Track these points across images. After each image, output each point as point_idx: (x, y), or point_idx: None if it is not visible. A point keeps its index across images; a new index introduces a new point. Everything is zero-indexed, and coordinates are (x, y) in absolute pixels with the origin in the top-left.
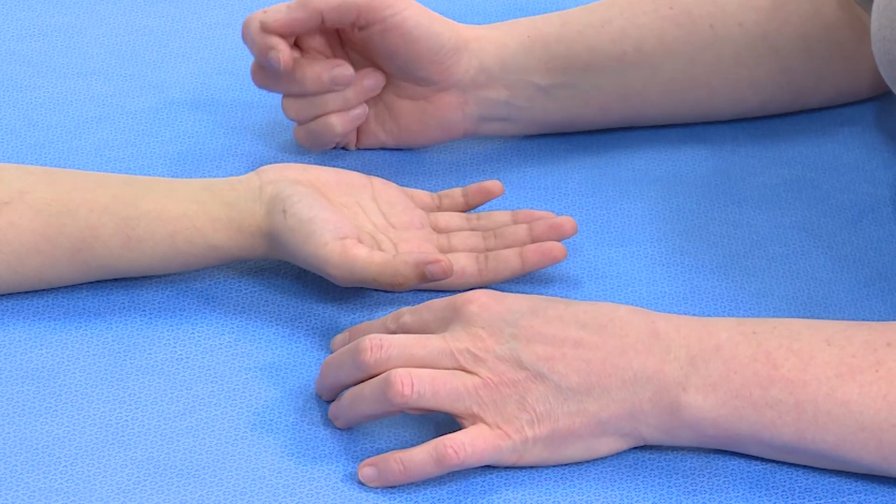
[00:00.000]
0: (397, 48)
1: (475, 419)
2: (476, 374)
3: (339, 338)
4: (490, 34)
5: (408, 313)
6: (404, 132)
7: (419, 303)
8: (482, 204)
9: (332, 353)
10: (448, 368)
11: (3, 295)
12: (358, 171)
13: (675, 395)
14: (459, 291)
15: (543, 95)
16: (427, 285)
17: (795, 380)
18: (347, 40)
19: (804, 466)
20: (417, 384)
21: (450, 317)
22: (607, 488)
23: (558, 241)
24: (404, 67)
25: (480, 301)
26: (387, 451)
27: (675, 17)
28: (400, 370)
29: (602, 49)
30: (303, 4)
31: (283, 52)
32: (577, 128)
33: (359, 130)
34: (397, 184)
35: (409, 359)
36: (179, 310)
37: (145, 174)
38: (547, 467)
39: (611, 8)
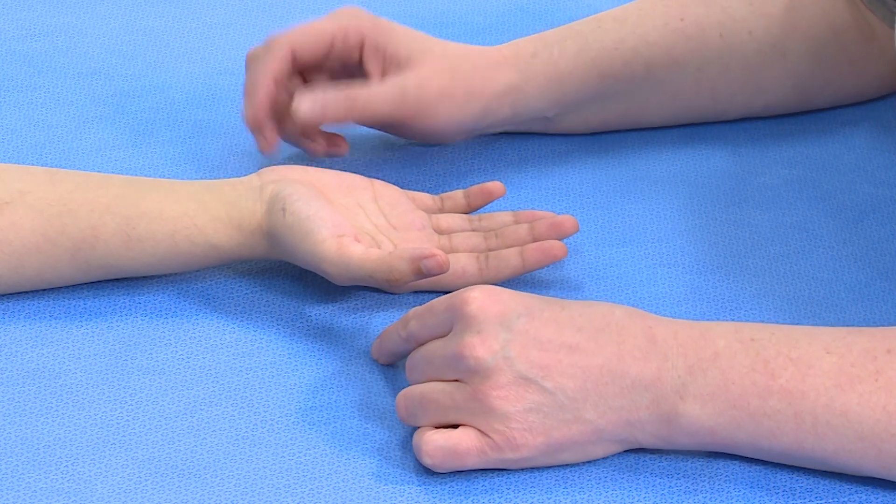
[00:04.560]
0: (420, 130)
1: (466, 425)
2: (469, 384)
3: (373, 345)
4: (509, 86)
5: (413, 319)
6: (399, 134)
7: (418, 303)
8: (484, 205)
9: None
10: (450, 379)
11: (3, 295)
12: (359, 172)
13: (672, 404)
14: None
15: (546, 122)
16: (426, 282)
17: (794, 390)
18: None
19: (805, 467)
20: (409, 405)
21: (451, 318)
22: (608, 489)
23: (559, 239)
24: (420, 135)
25: (477, 302)
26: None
27: (685, 28)
28: (399, 394)
29: (614, 74)
30: (348, 101)
31: (268, 142)
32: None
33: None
34: (398, 185)
35: (424, 375)
36: (180, 310)
37: (146, 174)
38: (547, 468)
39: (624, 24)
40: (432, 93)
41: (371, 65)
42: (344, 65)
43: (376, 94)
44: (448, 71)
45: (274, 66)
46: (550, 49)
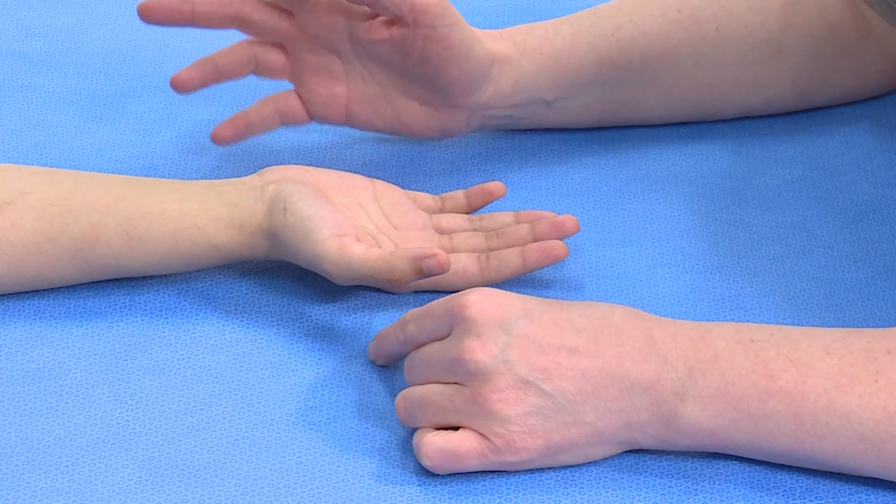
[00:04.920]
0: (432, 58)
1: (466, 427)
2: (469, 387)
3: (370, 346)
4: (507, 55)
5: (411, 322)
6: (401, 126)
7: (419, 302)
8: (484, 205)
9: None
10: (449, 382)
11: (3, 295)
12: (359, 171)
13: (672, 406)
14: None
15: (546, 107)
16: (427, 282)
17: (793, 391)
18: (362, 38)
19: (805, 468)
20: (409, 407)
21: (449, 321)
22: (608, 490)
23: (560, 239)
24: (428, 77)
25: (476, 305)
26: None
27: (682, 20)
28: (399, 395)
29: (610, 60)
30: None
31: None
32: (572, 128)
33: (350, 114)
34: (398, 185)
35: (423, 377)
36: (180, 310)
37: (146, 174)
38: (548, 469)
39: (620, 12)
40: (450, 12)
41: None
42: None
43: None
44: (466, 24)
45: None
46: (545, 28)
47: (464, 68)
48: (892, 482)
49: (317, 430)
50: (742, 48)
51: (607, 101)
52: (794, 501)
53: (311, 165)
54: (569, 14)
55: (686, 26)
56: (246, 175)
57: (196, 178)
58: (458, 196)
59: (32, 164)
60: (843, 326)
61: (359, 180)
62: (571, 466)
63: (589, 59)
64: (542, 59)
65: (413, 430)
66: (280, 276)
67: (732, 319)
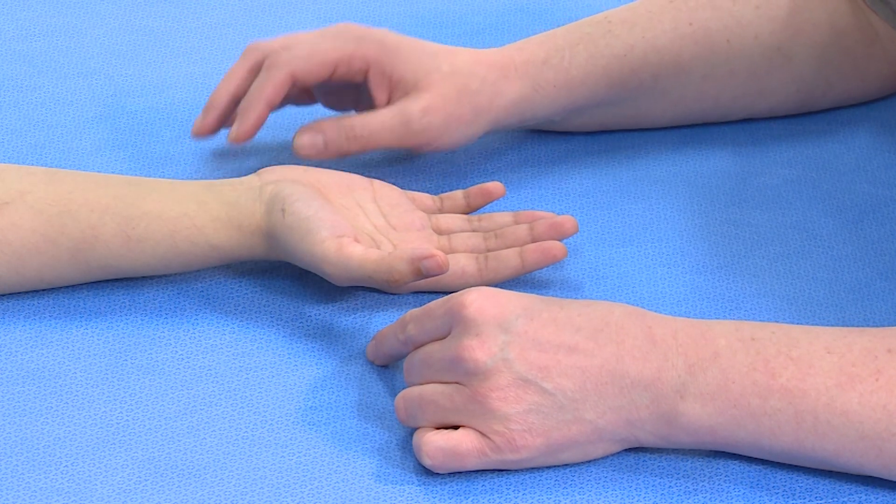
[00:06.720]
0: (423, 151)
1: (466, 426)
2: (468, 386)
3: (368, 347)
4: (520, 93)
5: (410, 323)
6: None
7: (418, 303)
8: (483, 206)
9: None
10: (449, 381)
11: (3, 295)
12: (358, 171)
13: (672, 403)
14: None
15: (549, 123)
16: (426, 283)
17: (794, 389)
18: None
19: (804, 467)
20: (409, 407)
21: (449, 321)
22: (608, 489)
23: (559, 240)
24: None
25: (475, 304)
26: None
27: (693, 34)
28: (398, 395)
29: (621, 81)
30: (350, 135)
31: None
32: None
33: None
34: (397, 185)
35: (423, 377)
36: (179, 310)
37: (145, 174)
38: (548, 469)
39: (633, 29)
40: (438, 118)
41: (377, 91)
42: (348, 82)
43: (380, 125)
44: (455, 92)
45: (270, 91)
46: (562, 54)
47: (461, 144)
48: (892, 482)
49: (317, 430)
50: (752, 58)
51: (613, 115)
52: (794, 501)
53: (310, 166)
54: (568, 16)
55: (697, 39)
56: (245, 175)
57: (195, 179)
58: (457, 196)
59: (32, 164)
60: (843, 326)
61: (358, 180)
62: (571, 466)
63: (601, 83)
64: (556, 92)
65: (413, 430)
66: (280, 276)
67: (733, 319)
